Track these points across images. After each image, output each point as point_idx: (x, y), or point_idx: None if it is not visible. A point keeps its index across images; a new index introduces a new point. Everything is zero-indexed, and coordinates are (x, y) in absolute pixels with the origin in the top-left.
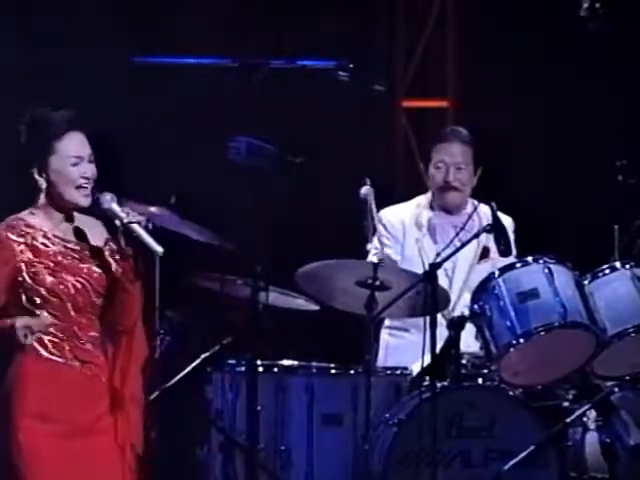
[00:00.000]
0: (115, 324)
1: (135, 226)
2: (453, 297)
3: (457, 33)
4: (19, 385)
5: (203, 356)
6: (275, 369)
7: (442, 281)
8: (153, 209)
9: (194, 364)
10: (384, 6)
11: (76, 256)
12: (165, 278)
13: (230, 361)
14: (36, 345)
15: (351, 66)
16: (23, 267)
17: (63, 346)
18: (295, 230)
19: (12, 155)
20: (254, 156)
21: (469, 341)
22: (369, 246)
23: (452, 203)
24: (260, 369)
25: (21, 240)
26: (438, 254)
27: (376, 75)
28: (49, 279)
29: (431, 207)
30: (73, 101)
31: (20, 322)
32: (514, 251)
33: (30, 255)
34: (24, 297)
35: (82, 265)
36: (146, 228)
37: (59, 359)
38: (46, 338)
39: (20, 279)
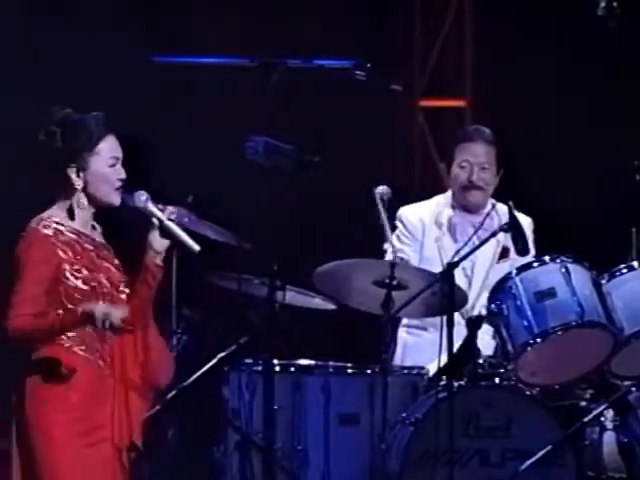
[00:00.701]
0: (127, 323)
1: (172, 224)
2: (472, 296)
3: (474, 32)
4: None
5: (220, 355)
6: (292, 368)
7: (461, 280)
8: (171, 208)
9: (211, 363)
10: (401, 5)
11: (101, 254)
12: (182, 277)
13: (247, 360)
14: (72, 343)
15: (368, 65)
16: (65, 265)
17: (95, 344)
18: (312, 229)
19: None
20: (271, 155)
21: (486, 340)
22: (386, 245)
23: (474, 202)
24: (277, 368)
25: (61, 238)
26: (457, 252)
27: (393, 74)
28: (88, 276)
29: (451, 206)
30: (92, 101)
31: (100, 308)
32: (533, 251)
33: (70, 253)
34: (64, 295)
35: (106, 264)
36: (181, 225)
37: (90, 356)
38: (81, 336)
39: (61, 277)
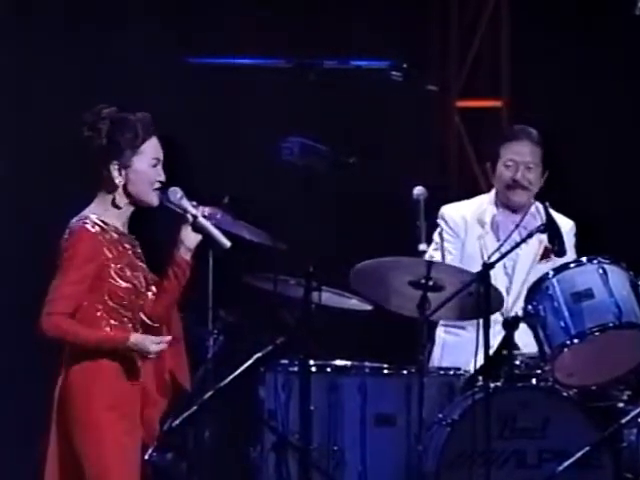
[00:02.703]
0: (154, 319)
1: (205, 221)
2: (512, 296)
3: (511, 33)
4: (100, 380)
5: (256, 356)
6: (328, 369)
7: (502, 279)
8: (206, 209)
9: (247, 364)
10: (437, 6)
11: (136, 253)
12: (218, 278)
13: (283, 361)
14: None
15: (404, 66)
16: (111, 264)
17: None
18: (348, 230)
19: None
20: (307, 156)
21: (526, 341)
22: (422, 246)
23: (518, 201)
24: (313, 369)
25: (106, 237)
26: (498, 250)
27: (429, 75)
28: (130, 275)
29: (495, 205)
30: (127, 102)
31: (141, 342)
32: (573, 255)
33: (115, 252)
34: (107, 293)
35: (140, 262)
36: (214, 223)
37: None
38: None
39: (106, 275)
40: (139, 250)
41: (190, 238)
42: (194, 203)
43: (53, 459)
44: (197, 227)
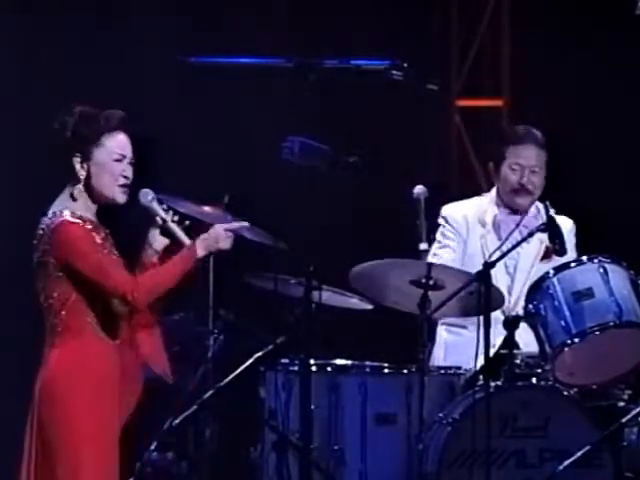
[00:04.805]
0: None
1: (174, 225)
2: (514, 295)
3: (511, 32)
4: (89, 367)
5: (256, 355)
6: (329, 368)
7: (503, 279)
8: (207, 208)
9: (247, 363)
10: (438, 5)
11: (111, 243)
12: (218, 277)
13: (283, 360)
14: (100, 332)
15: (405, 65)
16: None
17: (120, 328)
18: (348, 229)
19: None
20: (307, 156)
21: (527, 340)
22: (422, 245)
23: (522, 205)
24: (314, 368)
25: (88, 227)
26: (498, 249)
27: (430, 74)
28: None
29: (496, 205)
30: (124, 101)
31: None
32: (574, 254)
33: (98, 238)
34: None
35: (114, 251)
36: (184, 226)
37: (114, 342)
38: (105, 322)
39: None
40: (112, 241)
41: (158, 241)
42: (165, 207)
43: (29, 455)
44: (166, 231)
